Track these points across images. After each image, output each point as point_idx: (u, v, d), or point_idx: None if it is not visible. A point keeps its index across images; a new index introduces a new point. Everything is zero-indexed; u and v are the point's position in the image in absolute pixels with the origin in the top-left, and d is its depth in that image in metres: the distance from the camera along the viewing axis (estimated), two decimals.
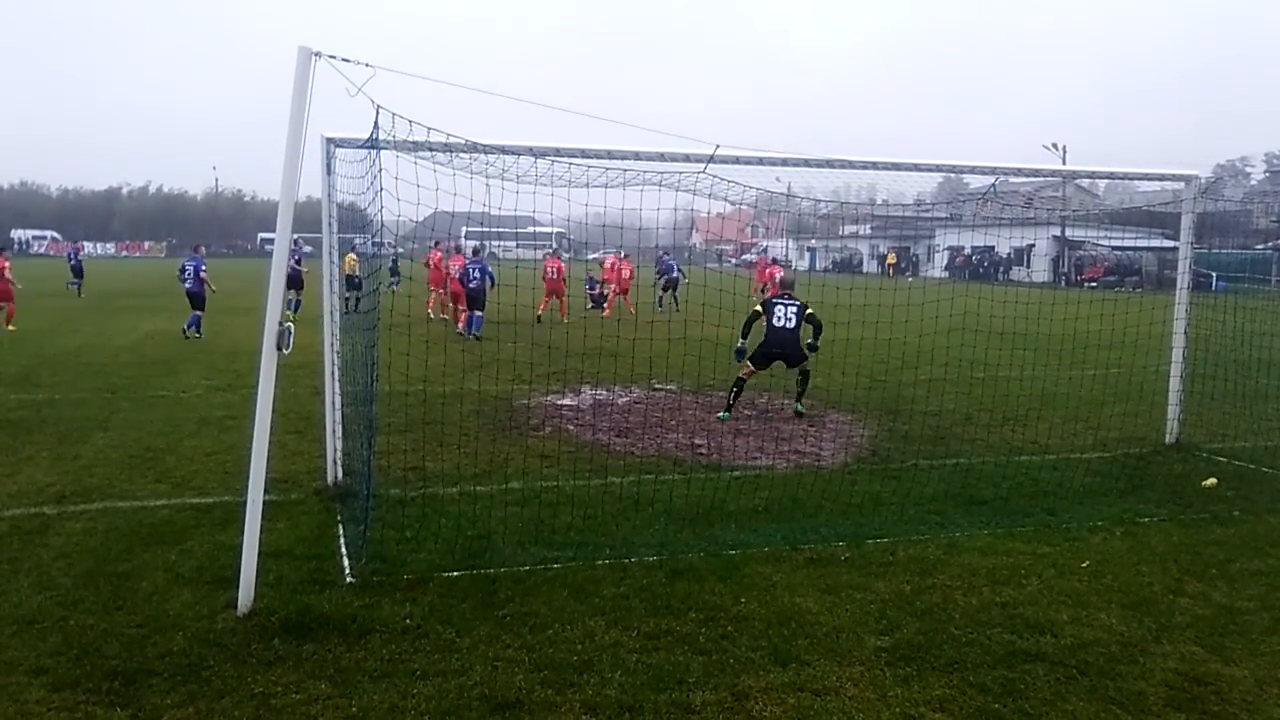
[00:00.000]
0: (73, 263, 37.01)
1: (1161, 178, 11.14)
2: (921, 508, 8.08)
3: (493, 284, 21.26)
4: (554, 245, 32.22)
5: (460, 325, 21.57)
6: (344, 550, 6.77)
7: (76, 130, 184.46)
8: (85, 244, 61.27)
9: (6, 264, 22.70)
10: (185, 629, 5.45)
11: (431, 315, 24.62)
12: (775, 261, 31.22)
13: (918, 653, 5.30)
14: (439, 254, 25.17)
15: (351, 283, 15.00)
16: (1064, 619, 5.79)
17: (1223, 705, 4.81)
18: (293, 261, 21.67)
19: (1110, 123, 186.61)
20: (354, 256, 20.18)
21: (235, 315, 25.55)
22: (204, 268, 21.42)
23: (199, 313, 21.00)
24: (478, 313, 21.01)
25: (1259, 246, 44.08)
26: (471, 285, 21.08)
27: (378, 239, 7.42)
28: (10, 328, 21.52)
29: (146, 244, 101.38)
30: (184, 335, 20.59)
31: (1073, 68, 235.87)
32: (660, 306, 27.84)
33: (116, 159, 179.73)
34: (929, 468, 9.48)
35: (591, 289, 29.19)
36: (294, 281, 24.24)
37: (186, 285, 21.40)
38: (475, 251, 22.29)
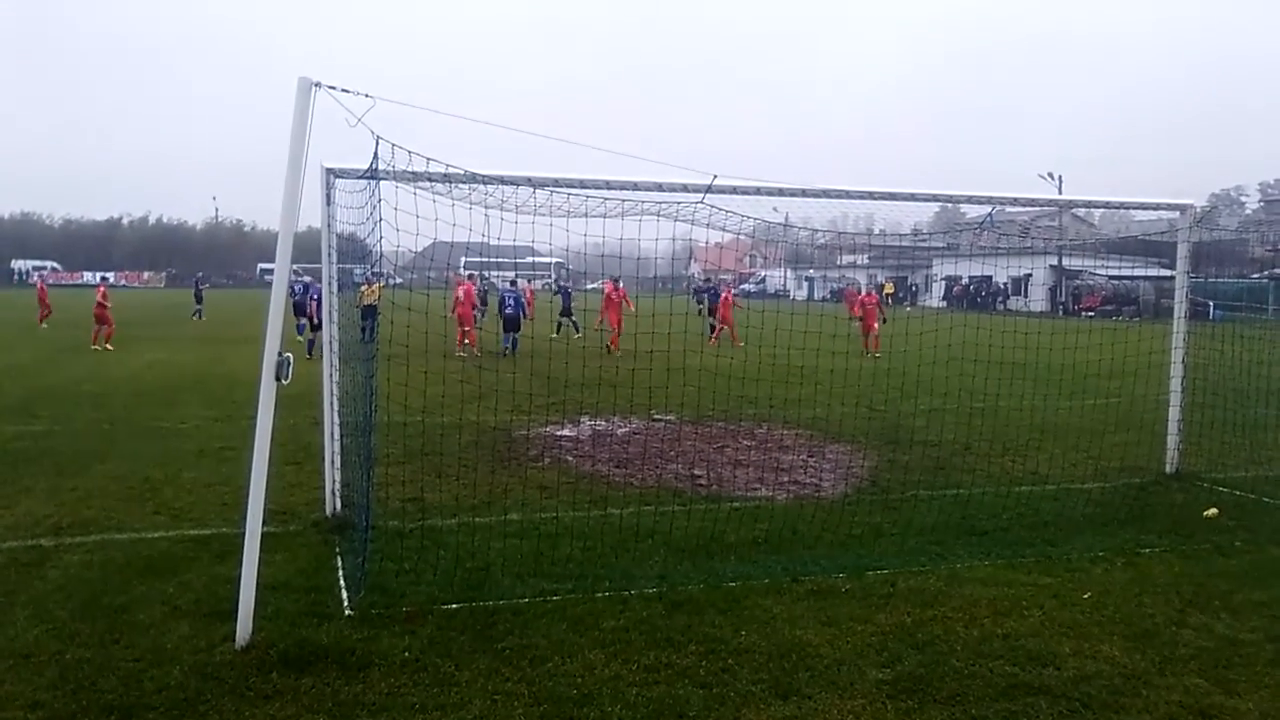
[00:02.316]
0: (195, 291, 42.36)
1: (1157, 207, 11.19)
2: (921, 539, 8.05)
3: (525, 313, 24.13)
4: (612, 275, 31.78)
5: (473, 345, 23.71)
6: (343, 582, 6.74)
7: (77, 161, 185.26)
8: (93, 272, 62.85)
9: (104, 290, 26.46)
10: (183, 662, 5.42)
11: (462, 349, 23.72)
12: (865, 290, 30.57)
13: (919, 685, 5.26)
14: (464, 285, 25.24)
15: (366, 312, 15.20)
16: (1066, 651, 5.76)
17: None
18: (307, 295, 24.61)
19: (1109, 157, 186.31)
20: (378, 286, 20.45)
21: (234, 345, 25.58)
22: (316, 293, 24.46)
23: (305, 320, 23.91)
24: (514, 335, 23.66)
25: (1255, 275, 44.28)
26: (507, 311, 23.70)
27: (377, 269, 7.46)
28: (108, 346, 24.91)
29: (145, 274, 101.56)
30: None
31: (1074, 106, 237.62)
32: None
33: (116, 189, 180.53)
34: (929, 498, 9.46)
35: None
36: (301, 310, 25.39)
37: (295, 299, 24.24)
38: (512, 283, 25.34)
